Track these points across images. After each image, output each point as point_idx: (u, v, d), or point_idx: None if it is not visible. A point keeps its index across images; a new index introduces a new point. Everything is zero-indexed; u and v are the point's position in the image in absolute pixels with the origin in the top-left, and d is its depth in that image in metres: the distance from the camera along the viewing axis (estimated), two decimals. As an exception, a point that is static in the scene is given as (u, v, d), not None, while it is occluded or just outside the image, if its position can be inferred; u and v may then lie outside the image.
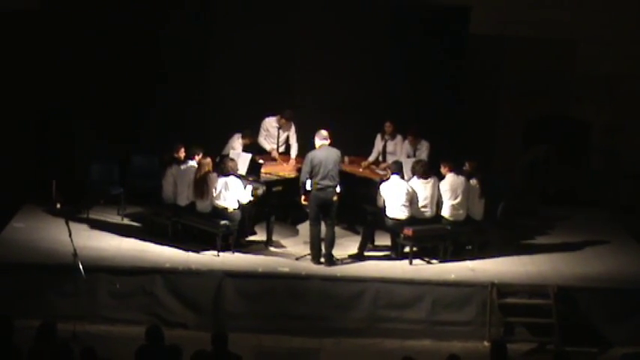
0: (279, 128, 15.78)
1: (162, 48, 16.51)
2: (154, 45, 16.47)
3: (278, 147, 15.80)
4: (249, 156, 14.67)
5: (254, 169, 14.57)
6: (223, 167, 14.01)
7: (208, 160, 14.15)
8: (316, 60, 16.75)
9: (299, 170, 14.56)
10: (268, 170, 14.90)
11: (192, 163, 14.28)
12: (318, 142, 13.91)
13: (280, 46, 16.73)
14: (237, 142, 15.19)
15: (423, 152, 15.29)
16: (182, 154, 14.50)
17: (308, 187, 13.91)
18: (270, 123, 15.81)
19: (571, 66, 17.46)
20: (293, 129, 15.78)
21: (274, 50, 16.70)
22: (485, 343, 13.14)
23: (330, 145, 13.91)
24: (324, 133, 13.93)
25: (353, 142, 15.49)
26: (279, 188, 14.66)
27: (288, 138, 15.81)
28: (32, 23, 16.36)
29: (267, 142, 15.75)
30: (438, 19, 16.77)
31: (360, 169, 15.39)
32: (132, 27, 16.34)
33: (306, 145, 15.01)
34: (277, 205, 14.66)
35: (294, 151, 15.69)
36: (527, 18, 16.97)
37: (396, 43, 16.75)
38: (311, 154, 13.85)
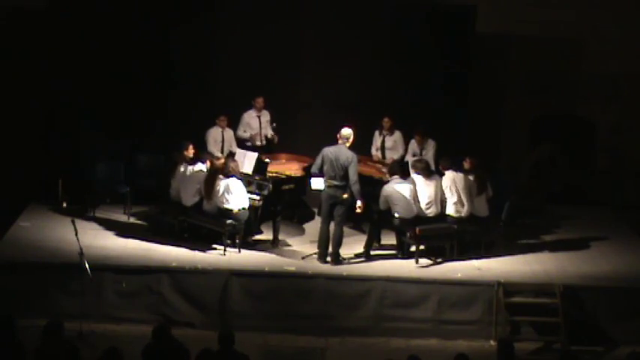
0: (258, 116, 15.83)
1: (169, 48, 16.53)
2: (160, 45, 16.50)
3: (260, 135, 15.91)
4: (255, 155, 14.68)
5: (260, 168, 14.56)
6: (225, 169, 13.99)
7: (220, 161, 14.15)
8: (321, 59, 16.77)
9: (305, 169, 14.59)
10: (275, 169, 14.88)
11: (200, 163, 14.28)
12: (339, 139, 13.80)
13: (286, 46, 16.75)
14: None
15: (430, 151, 15.30)
16: (191, 152, 14.49)
17: (314, 187, 13.88)
18: (250, 115, 15.96)
19: (577, 65, 17.43)
20: (268, 114, 15.92)
21: (280, 49, 16.71)
22: (492, 342, 13.14)
23: (350, 146, 13.77)
24: (344, 133, 13.75)
25: (359, 141, 15.40)
26: (286, 187, 14.66)
27: (265, 126, 15.98)
28: (39, 22, 16.38)
29: (245, 134, 15.90)
30: (443, 18, 16.77)
31: (365, 168, 15.35)
32: (138, 27, 16.37)
33: (311, 143, 14.99)
34: (284, 204, 14.65)
35: (269, 132, 15.90)
36: (533, 17, 16.95)
37: (401, 42, 16.75)
38: (324, 150, 13.79)
